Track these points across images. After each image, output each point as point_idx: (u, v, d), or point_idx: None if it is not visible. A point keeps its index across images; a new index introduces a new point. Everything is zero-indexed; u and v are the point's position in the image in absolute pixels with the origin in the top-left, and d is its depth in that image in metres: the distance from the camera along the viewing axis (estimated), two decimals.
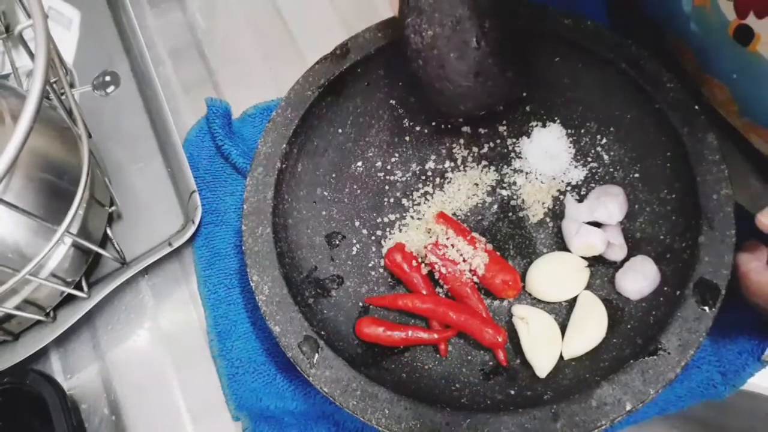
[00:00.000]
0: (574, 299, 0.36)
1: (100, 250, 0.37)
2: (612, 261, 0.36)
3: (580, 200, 0.38)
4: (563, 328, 0.35)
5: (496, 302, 0.37)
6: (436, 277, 0.37)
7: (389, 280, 0.38)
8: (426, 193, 0.40)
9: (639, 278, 0.34)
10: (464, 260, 0.36)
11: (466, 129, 0.41)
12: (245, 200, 0.34)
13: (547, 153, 0.40)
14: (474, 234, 0.37)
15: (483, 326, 0.34)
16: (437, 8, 0.31)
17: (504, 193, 0.40)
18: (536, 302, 0.37)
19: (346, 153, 0.39)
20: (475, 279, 0.36)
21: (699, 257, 0.31)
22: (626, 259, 0.35)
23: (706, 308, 0.29)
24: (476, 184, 0.40)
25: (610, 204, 0.36)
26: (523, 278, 0.37)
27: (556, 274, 0.36)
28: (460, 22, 0.31)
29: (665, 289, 0.33)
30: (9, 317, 0.37)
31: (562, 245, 0.37)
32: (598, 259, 0.36)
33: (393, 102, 0.40)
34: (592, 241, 0.35)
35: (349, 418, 0.37)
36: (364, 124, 0.40)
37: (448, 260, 0.36)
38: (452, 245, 0.36)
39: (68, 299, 0.39)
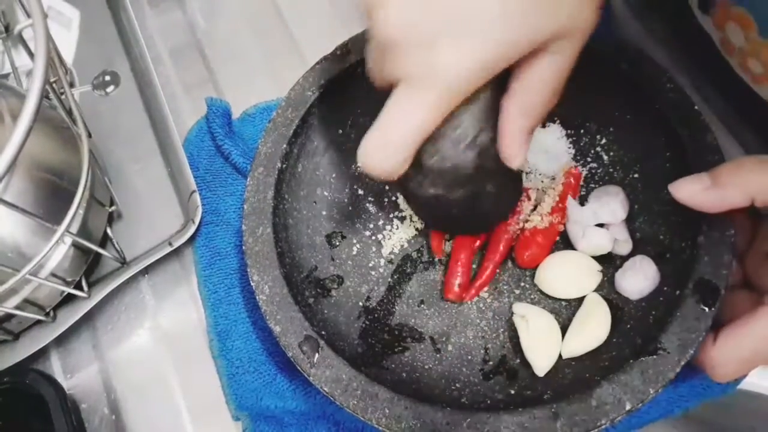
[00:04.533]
0: (578, 300, 0.36)
1: (100, 250, 0.37)
2: (619, 255, 0.36)
3: (580, 202, 0.38)
4: (564, 329, 0.35)
5: (496, 303, 0.37)
6: None
7: (389, 279, 0.38)
8: None
9: (639, 278, 0.34)
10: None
11: None
12: (246, 200, 0.34)
13: (546, 153, 0.40)
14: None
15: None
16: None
17: None
18: (542, 297, 0.37)
19: (347, 153, 0.39)
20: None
21: (698, 257, 0.31)
22: (625, 259, 0.35)
23: (706, 308, 0.29)
24: None
25: (612, 203, 0.36)
26: (532, 273, 0.37)
27: (568, 271, 0.36)
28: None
29: (665, 288, 0.33)
30: (9, 317, 0.36)
31: (567, 244, 0.37)
32: (599, 258, 0.36)
33: None
34: (599, 241, 0.35)
35: (349, 418, 0.37)
36: (364, 125, 0.40)
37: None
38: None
39: (68, 299, 0.39)
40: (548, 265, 0.36)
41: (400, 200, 0.40)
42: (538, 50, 0.25)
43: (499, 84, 0.27)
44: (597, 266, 0.36)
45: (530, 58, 0.25)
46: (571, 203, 0.37)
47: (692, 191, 0.29)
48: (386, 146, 0.26)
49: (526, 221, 0.37)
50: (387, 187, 0.40)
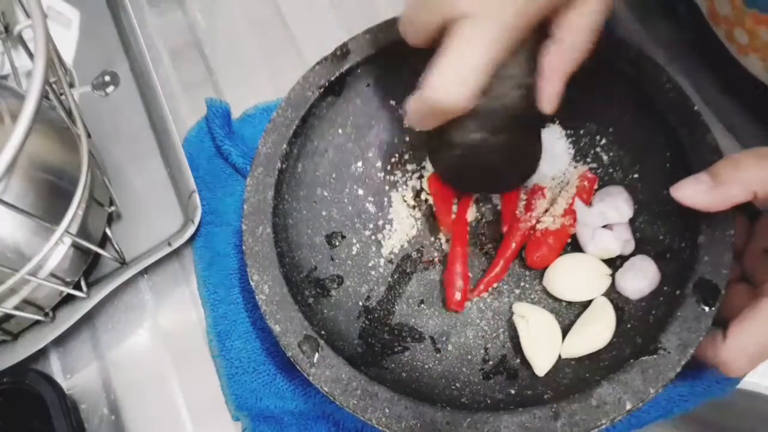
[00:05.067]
0: (579, 302, 0.36)
1: (99, 250, 0.37)
2: (620, 255, 0.36)
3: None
4: (564, 329, 0.34)
5: (496, 302, 0.37)
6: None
7: (389, 279, 0.38)
8: (426, 193, 0.40)
9: (639, 277, 0.34)
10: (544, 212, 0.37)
11: None
12: (245, 200, 0.34)
13: (546, 153, 0.40)
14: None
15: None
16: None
17: None
18: (543, 297, 0.37)
19: (346, 153, 0.39)
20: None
21: (698, 257, 0.31)
22: (626, 259, 0.35)
23: (706, 308, 0.29)
24: None
25: (618, 202, 0.36)
26: (533, 273, 0.37)
27: (577, 274, 0.36)
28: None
29: (665, 288, 0.33)
30: (8, 317, 0.36)
31: (576, 248, 0.37)
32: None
33: (393, 103, 0.40)
34: (608, 244, 0.35)
35: (349, 418, 0.37)
36: (364, 125, 0.40)
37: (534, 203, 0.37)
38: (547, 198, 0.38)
39: (68, 299, 0.38)
40: (557, 267, 0.36)
41: (395, 201, 0.40)
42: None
43: (539, 35, 0.29)
44: (607, 270, 0.35)
45: (566, 8, 0.28)
46: (579, 205, 0.36)
47: (694, 193, 0.29)
48: (457, 78, 0.27)
49: (538, 221, 0.37)
50: (387, 188, 0.40)
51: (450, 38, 0.27)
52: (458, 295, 0.36)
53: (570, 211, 0.37)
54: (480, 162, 0.33)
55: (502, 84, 0.30)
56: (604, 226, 0.36)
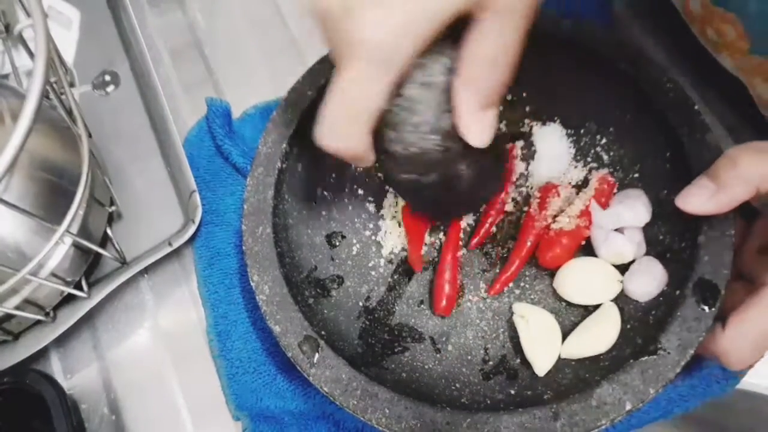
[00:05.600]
0: (582, 305, 0.35)
1: (100, 250, 0.37)
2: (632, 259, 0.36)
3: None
4: (564, 329, 0.34)
5: (496, 303, 0.37)
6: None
7: (389, 279, 0.38)
8: None
9: (648, 279, 0.33)
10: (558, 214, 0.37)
11: None
12: (245, 200, 0.34)
13: (547, 153, 0.40)
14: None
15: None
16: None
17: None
18: (543, 297, 0.37)
19: None
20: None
21: (698, 257, 0.31)
22: (631, 261, 0.35)
23: (706, 308, 0.29)
24: None
25: (636, 206, 0.35)
26: (533, 273, 0.37)
27: (588, 278, 0.35)
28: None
29: (665, 288, 0.33)
30: (9, 317, 0.37)
31: (591, 252, 0.37)
32: None
33: None
34: (620, 248, 0.35)
35: (349, 418, 0.37)
36: None
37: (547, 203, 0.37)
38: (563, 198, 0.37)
39: (68, 299, 0.39)
40: (569, 269, 0.36)
41: (394, 201, 0.40)
42: (473, 21, 0.24)
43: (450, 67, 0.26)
44: (618, 276, 0.35)
45: (476, 25, 0.24)
46: (595, 207, 0.36)
47: (700, 202, 0.29)
48: (336, 126, 0.26)
49: (554, 221, 0.37)
50: (387, 187, 0.40)
51: (334, 77, 0.25)
52: (444, 302, 0.36)
53: (586, 213, 0.36)
54: (423, 196, 0.32)
55: (414, 131, 0.28)
56: (617, 229, 0.36)
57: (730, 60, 0.36)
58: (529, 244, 0.37)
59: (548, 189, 0.38)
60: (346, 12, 0.23)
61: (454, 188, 0.32)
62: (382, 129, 0.28)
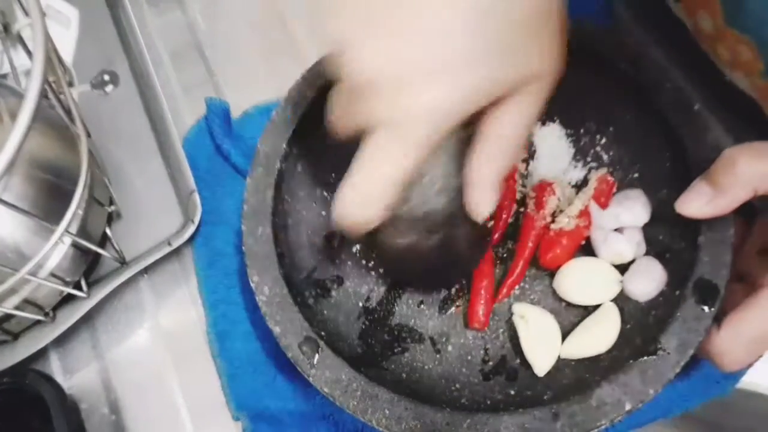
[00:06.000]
0: (581, 305, 0.35)
1: (99, 250, 0.37)
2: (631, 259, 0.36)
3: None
4: (564, 330, 0.34)
5: (495, 304, 0.37)
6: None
7: (389, 280, 0.38)
8: None
9: (647, 280, 0.33)
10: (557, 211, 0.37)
11: None
12: (245, 201, 0.34)
13: (546, 153, 0.40)
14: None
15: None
16: None
17: None
18: (542, 297, 0.37)
19: (346, 153, 0.39)
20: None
21: (698, 257, 0.31)
22: (631, 261, 0.35)
23: (706, 308, 0.29)
24: None
25: (635, 207, 0.35)
26: (532, 274, 0.37)
27: (587, 278, 0.35)
28: None
29: (665, 288, 0.33)
30: (8, 317, 0.36)
31: (591, 252, 0.37)
32: None
33: None
34: (620, 249, 0.35)
35: (349, 419, 0.37)
36: None
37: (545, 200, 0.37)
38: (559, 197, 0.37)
39: (68, 299, 0.38)
40: (569, 269, 0.36)
41: None
42: (506, 95, 0.24)
43: (462, 130, 0.26)
44: (618, 276, 0.35)
45: (497, 104, 0.24)
46: (595, 207, 0.36)
47: (698, 206, 0.29)
48: (363, 200, 0.25)
49: (553, 220, 0.37)
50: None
51: (363, 150, 0.24)
52: (482, 315, 0.36)
53: (585, 213, 0.36)
54: (412, 262, 0.32)
55: (422, 193, 0.27)
56: (616, 230, 0.36)
57: (746, 79, 0.36)
58: (530, 245, 0.37)
59: (543, 188, 0.38)
60: (401, 85, 0.22)
61: (446, 255, 0.31)
62: None
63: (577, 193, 0.38)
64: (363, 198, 0.25)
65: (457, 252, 0.31)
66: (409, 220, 0.28)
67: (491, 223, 0.37)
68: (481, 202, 0.26)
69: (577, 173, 0.39)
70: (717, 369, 0.29)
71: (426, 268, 0.32)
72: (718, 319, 0.29)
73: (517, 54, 0.23)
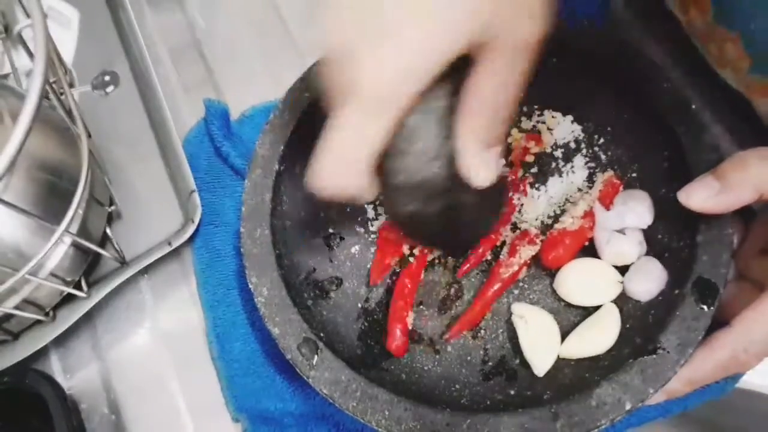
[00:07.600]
0: (581, 306, 0.35)
1: (99, 250, 0.37)
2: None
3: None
4: (563, 329, 0.34)
5: (495, 303, 0.37)
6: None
7: (387, 281, 0.38)
8: None
9: (648, 279, 0.33)
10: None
11: None
12: (243, 202, 0.34)
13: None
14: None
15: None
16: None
17: None
18: (541, 297, 0.36)
19: None
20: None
21: (697, 256, 0.31)
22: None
23: (705, 307, 0.29)
24: None
25: (639, 208, 0.35)
26: (531, 274, 0.37)
27: (588, 279, 0.35)
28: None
29: (664, 288, 0.33)
30: (8, 317, 0.37)
31: (594, 254, 0.37)
32: None
33: None
34: (624, 249, 0.35)
35: (348, 420, 0.37)
36: None
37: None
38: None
39: (68, 299, 0.39)
40: (569, 270, 0.36)
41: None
42: (474, 60, 0.24)
43: (455, 92, 0.26)
44: (618, 277, 0.35)
45: (476, 66, 0.24)
46: (598, 208, 0.36)
47: (703, 198, 0.29)
48: (339, 164, 0.25)
49: (556, 221, 0.37)
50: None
51: (337, 114, 0.24)
52: (400, 342, 0.35)
53: (589, 214, 0.36)
54: (425, 228, 0.31)
55: (416, 160, 0.27)
56: (619, 231, 0.36)
57: (734, 76, 0.36)
58: (491, 291, 0.36)
59: (522, 237, 0.37)
60: (351, 54, 0.23)
61: (456, 220, 0.31)
62: (384, 161, 0.27)
63: (579, 191, 0.38)
64: (338, 162, 0.25)
65: (464, 220, 0.31)
66: (408, 188, 0.28)
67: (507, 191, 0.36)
68: (473, 167, 0.26)
69: (578, 173, 0.39)
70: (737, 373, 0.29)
71: (436, 233, 0.32)
72: (716, 321, 0.29)
73: (465, 10, 0.22)
